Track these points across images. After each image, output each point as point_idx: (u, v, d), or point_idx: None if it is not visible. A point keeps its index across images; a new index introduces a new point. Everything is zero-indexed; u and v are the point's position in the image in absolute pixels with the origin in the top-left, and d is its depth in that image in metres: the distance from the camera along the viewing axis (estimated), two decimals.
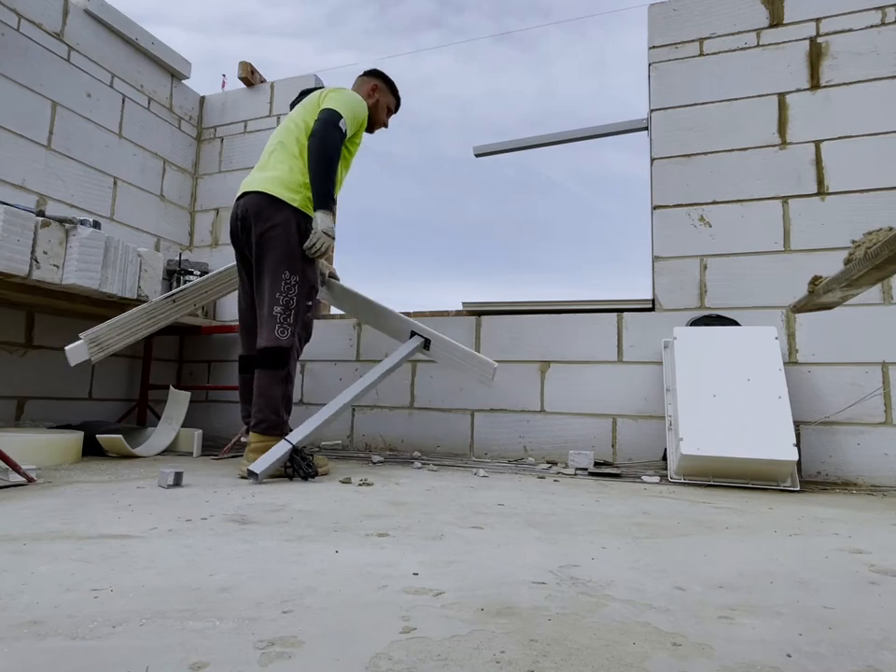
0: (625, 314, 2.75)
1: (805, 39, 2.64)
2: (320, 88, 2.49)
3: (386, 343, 3.13)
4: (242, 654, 0.68)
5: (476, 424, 2.92)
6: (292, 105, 2.56)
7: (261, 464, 1.99)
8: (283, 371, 2.18)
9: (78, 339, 2.33)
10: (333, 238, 2.24)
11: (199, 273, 3.46)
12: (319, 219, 2.18)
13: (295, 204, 2.20)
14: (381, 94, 2.54)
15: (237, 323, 3.47)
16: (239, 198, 2.28)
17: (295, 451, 2.10)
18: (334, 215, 2.28)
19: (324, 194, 2.18)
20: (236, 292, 2.63)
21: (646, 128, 2.96)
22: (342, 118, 2.21)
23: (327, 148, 2.17)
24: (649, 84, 2.90)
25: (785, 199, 2.58)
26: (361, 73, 2.61)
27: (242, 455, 2.81)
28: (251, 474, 1.98)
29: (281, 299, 2.15)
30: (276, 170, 2.22)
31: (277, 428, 2.16)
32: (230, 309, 3.59)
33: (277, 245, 2.16)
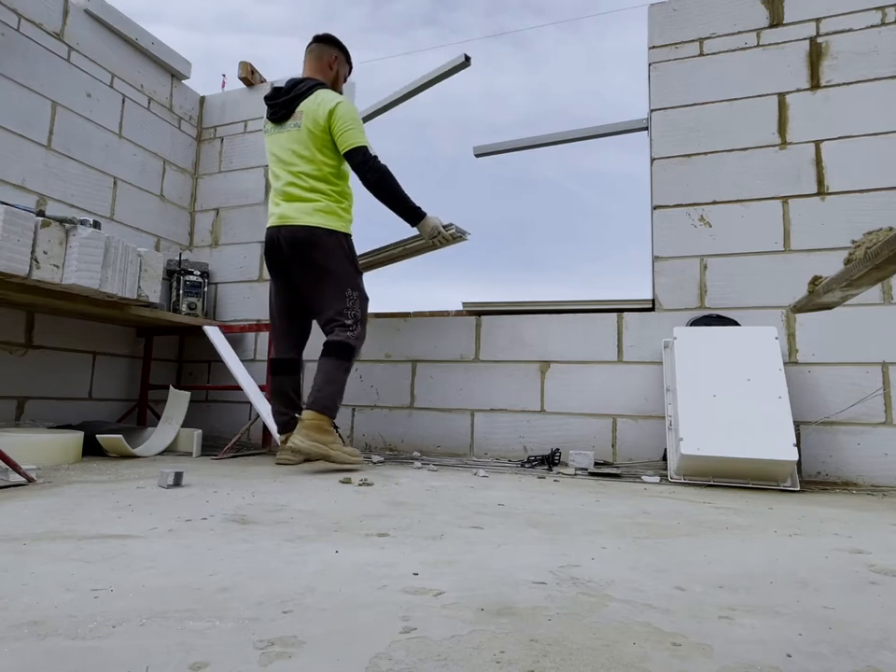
0: (625, 314, 2.75)
1: (805, 39, 2.64)
2: (301, 86, 2.47)
3: (387, 342, 3.14)
4: (242, 654, 0.68)
5: (476, 424, 2.92)
6: (275, 104, 2.50)
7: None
8: (349, 363, 2.41)
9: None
10: (444, 226, 2.55)
11: (199, 272, 3.46)
12: (428, 226, 2.51)
13: (341, 229, 2.44)
14: (339, 65, 2.64)
15: (237, 323, 3.50)
16: (279, 226, 2.43)
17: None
18: (425, 215, 2.51)
19: (410, 211, 2.47)
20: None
21: (646, 128, 2.96)
22: (365, 146, 2.41)
23: (385, 183, 2.42)
24: (649, 84, 2.90)
25: (785, 199, 2.58)
26: (315, 39, 2.61)
27: (242, 456, 2.81)
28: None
29: (349, 313, 2.41)
30: (319, 200, 2.42)
31: (332, 411, 2.36)
32: (230, 309, 3.60)
33: (336, 269, 2.41)
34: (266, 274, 3.51)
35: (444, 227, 2.55)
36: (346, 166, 2.52)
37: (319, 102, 2.42)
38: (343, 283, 2.42)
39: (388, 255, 2.93)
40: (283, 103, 2.48)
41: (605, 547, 1.22)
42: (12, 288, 2.23)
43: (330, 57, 2.60)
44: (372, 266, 3.01)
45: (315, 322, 2.63)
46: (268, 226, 2.52)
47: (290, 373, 2.59)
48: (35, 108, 2.83)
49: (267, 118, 2.57)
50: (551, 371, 2.83)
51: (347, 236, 2.49)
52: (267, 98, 2.56)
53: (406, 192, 2.47)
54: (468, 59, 3.05)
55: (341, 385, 2.38)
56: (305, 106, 2.44)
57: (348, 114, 2.41)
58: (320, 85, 2.51)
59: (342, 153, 2.43)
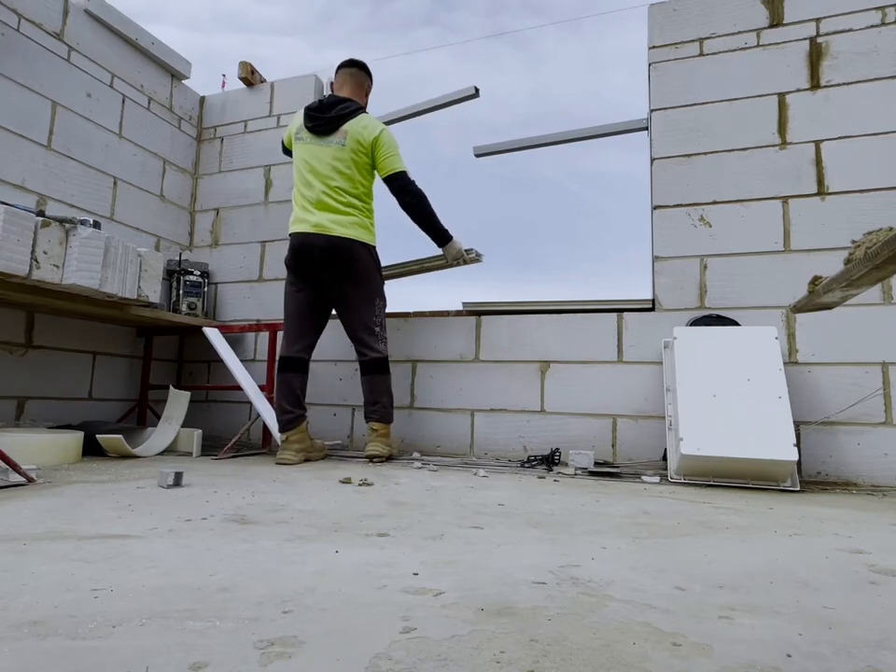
0: (625, 314, 2.75)
1: (805, 39, 2.64)
2: (346, 107, 2.64)
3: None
4: (242, 654, 0.68)
5: (476, 424, 2.92)
6: (314, 118, 2.65)
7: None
8: (389, 371, 2.71)
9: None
10: (466, 250, 2.80)
11: (199, 272, 3.46)
12: (453, 249, 2.76)
13: (371, 242, 2.67)
14: (370, 94, 2.90)
15: (237, 323, 3.49)
16: (314, 233, 2.57)
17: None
18: (452, 238, 2.75)
19: (440, 233, 2.72)
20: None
21: (646, 128, 2.96)
22: (405, 171, 2.66)
23: (421, 206, 2.67)
24: (649, 84, 2.90)
25: (785, 199, 2.58)
26: (354, 64, 2.78)
27: (242, 456, 2.82)
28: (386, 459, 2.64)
29: (377, 320, 2.66)
30: (354, 215, 2.62)
31: (393, 417, 2.72)
32: (230, 309, 3.60)
33: (368, 279, 2.64)
34: (266, 274, 3.52)
35: (465, 251, 2.79)
36: (374, 187, 2.74)
37: (364, 126, 2.63)
38: (374, 292, 2.66)
39: (406, 269, 3.09)
40: (329, 118, 2.63)
41: (605, 547, 1.22)
42: (12, 288, 2.23)
43: (368, 87, 2.85)
44: (389, 278, 3.13)
45: (328, 323, 2.81)
46: (298, 231, 2.62)
47: (300, 372, 2.68)
48: (35, 108, 2.83)
49: (306, 126, 2.67)
50: (551, 370, 2.83)
51: (375, 248, 2.70)
52: (311, 109, 2.68)
53: (438, 216, 2.71)
54: (477, 91, 3.18)
55: (392, 393, 2.72)
56: (350, 127, 2.62)
57: (391, 141, 2.66)
58: (361, 109, 2.71)
59: (383, 177, 2.66)
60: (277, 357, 2.72)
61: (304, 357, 2.69)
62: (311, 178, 2.62)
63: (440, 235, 2.73)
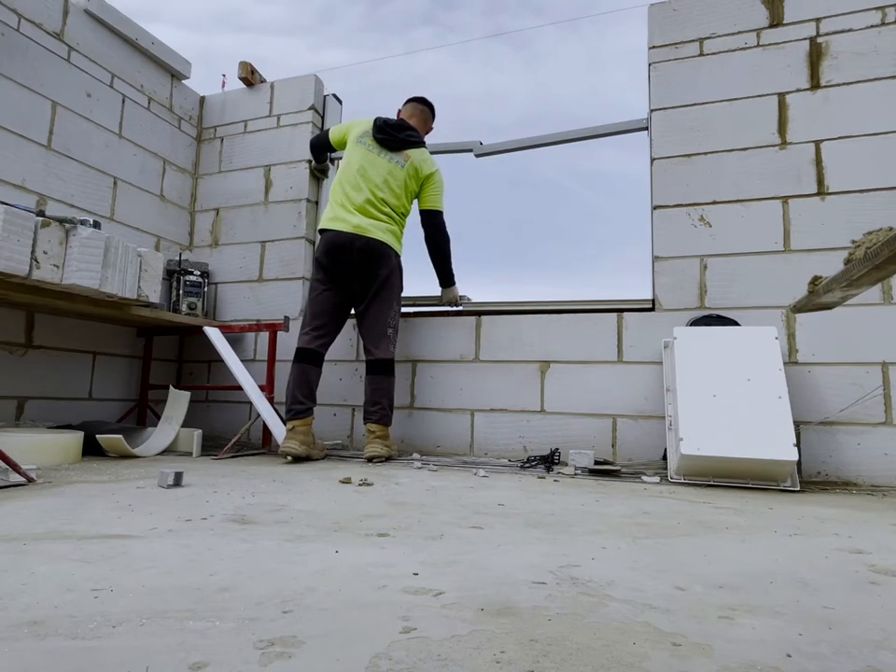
0: (625, 314, 2.75)
1: (805, 39, 2.64)
2: (414, 135, 2.87)
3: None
4: (242, 654, 0.68)
5: (476, 424, 2.92)
6: (386, 132, 2.83)
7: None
8: (394, 377, 2.80)
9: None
10: (460, 296, 3.04)
11: (199, 272, 3.46)
12: (452, 293, 3.01)
13: (400, 252, 2.86)
14: (430, 133, 3.12)
15: (237, 323, 3.50)
16: (354, 234, 2.69)
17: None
18: (455, 284, 3.02)
19: (447, 276, 2.98)
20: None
21: (646, 128, 2.96)
22: (443, 211, 2.93)
23: (444, 247, 2.93)
24: (649, 84, 2.90)
25: (785, 199, 2.58)
26: (424, 102, 3.02)
27: (242, 456, 2.82)
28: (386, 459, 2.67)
29: (391, 323, 2.78)
30: (390, 223, 2.79)
31: (390, 420, 2.76)
32: (230, 309, 3.60)
33: (394, 285, 2.79)
34: (266, 274, 3.52)
35: (459, 296, 3.02)
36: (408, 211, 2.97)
37: (424, 159, 2.89)
38: (395, 297, 2.80)
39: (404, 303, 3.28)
40: (399, 139, 2.84)
41: (605, 547, 1.22)
42: (12, 288, 2.23)
43: (431, 127, 3.08)
44: None
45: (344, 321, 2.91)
46: (337, 229, 2.72)
47: (317, 366, 2.76)
48: (35, 108, 2.83)
49: (373, 135, 2.85)
50: (551, 370, 2.83)
51: (400, 259, 2.88)
52: (386, 123, 2.85)
53: (452, 262, 2.96)
54: (482, 145, 3.34)
55: (393, 396, 2.80)
56: (413, 154, 2.85)
57: (441, 181, 2.94)
58: (424, 144, 2.96)
59: (423, 208, 2.91)
60: (296, 348, 2.75)
61: (323, 353, 2.77)
62: (361, 182, 2.76)
63: (447, 277, 2.96)
